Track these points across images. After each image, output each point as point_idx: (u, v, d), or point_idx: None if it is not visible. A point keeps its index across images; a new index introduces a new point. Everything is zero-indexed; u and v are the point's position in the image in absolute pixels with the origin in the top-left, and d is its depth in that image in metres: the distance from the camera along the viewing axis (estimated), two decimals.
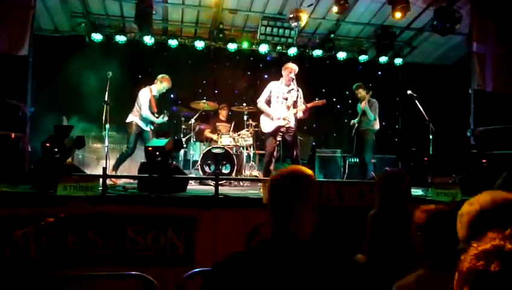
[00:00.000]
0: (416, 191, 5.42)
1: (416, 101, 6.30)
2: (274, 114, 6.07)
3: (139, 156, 6.73)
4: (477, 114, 7.46)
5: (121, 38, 8.57)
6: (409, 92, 6.44)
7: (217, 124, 8.15)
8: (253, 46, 9.14)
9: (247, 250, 1.61)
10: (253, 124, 7.63)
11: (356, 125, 7.08)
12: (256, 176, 7.42)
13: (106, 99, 5.86)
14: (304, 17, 7.32)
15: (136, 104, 6.48)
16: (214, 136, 7.86)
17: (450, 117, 8.50)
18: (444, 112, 8.32)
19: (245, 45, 9.02)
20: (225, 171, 7.11)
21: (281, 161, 7.86)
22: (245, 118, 7.82)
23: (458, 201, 4.71)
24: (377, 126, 7.08)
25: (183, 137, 7.85)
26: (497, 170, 4.75)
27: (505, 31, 7.51)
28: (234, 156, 7.15)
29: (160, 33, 9.15)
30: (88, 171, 6.00)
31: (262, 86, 6.46)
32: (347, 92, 10.02)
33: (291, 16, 7.46)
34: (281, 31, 8.74)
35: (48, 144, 4.70)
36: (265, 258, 1.50)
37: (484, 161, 5.67)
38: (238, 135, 7.65)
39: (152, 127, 6.62)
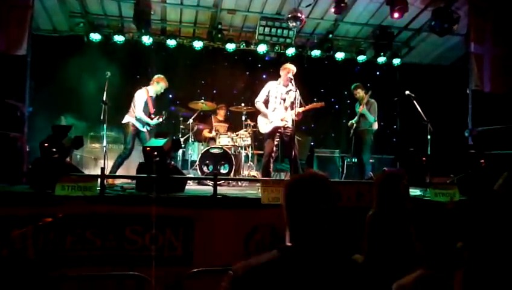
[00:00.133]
0: (415, 191, 5.42)
1: (414, 102, 6.31)
2: (271, 116, 6.07)
3: (137, 156, 6.73)
4: (475, 114, 7.48)
5: (119, 38, 8.57)
6: (407, 92, 6.45)
7: (215, 124, 8.16)
8: (252, 46, 9.15)
9: (271, 256, 1.56)
10: (252, 124, 7.64)
11: (354, 125, 7.09)
12: (254, 176, 7.42)
13: (104, 99, 5.85)
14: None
15: (132, 105, 6.47)
16: (212, 134, 7.86)
17: (448, 117, 8.52)
18: (442, 112, 8.34)
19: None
20: (223, 171, 7.10)
21: (280, 161, 7.88)
22: (243, 118, 7.82)
23: (456, 201, 4.72)
24: (375, 126, 7.09)
25: (182, 137, 7.86)
26: (495, 170, 4.77)
27: (502, 31, 7.53)
28: (232, 156, 7.15)
29: (159, 33, 9.15)
30: (86, 171, 5.99)
31: (260, 86, 6.46)
32: (345, 92, 10.04)
33: (289, 16, 7.47)
34: (279, 31, 8.74)
35: (46, 144, 4.69)
36: (291, 264, 1.48)
37: (482, 161, 5.67)
38: (237, 135, 7.65)
39: (148, 128, 6.60)
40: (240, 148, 7.61)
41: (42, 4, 7.70)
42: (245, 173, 7.57)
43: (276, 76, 6.45)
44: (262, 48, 9.02)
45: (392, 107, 10.30)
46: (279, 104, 6.14)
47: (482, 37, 7.56)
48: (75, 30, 8.65)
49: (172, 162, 5.63)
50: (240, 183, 7.12)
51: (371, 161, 7.44)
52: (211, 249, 4.09)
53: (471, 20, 7.56)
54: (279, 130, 6.09)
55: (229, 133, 7.79)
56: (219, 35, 8.84)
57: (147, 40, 8.55)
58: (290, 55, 9.22)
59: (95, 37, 8.47)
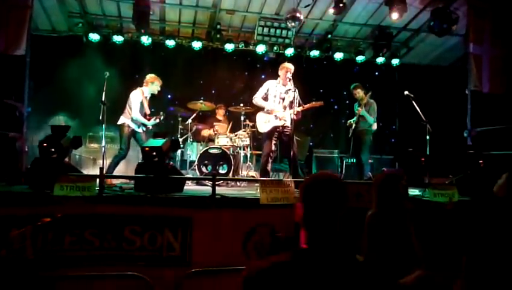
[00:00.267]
0: (413, 192, 5.42)
1: (413, 102, 6.31)
2: (271, 107, 6.05)
3: (134, 156, 6.72)
4: (474, 115, 7.48)
5: (118, 39, 8.57)
6: (406, 92, 6.44)
7: (214, 123, 8.17)
8: (251, 47, 9.15)
9: (285, 258, 1.53)
10: (250, 124, 7.64)
11: (353, 125, 7.08)
12: (253, 176, 7.42)
13: (103, 99, 5.84)
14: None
15: (127, 106, 6.40)
16: (212, 132, 7.87)
17: (447, 118, 8.53)
18: (441, 113, 8.35)
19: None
20: (222, 171, 7.10)
21: (278, 161, 7.87)
22: (242, 118, 7.82)
23: (455, 202, 4.72)
24: (374, 127, 7.08)
25: (180, 137, 7.85)
26: (494, 170, 4.77)
27: (501, 32, 7.55)
28: (231, 157, 7.14)
29: (158, 33, 9.15)
30: (85, 172, 5.98)
31: (259, 87, 6.46)
32: (344, 93, 10.06)
33: (288, 16, 7.48)
34: (278, 31, 8.76)
35: (45, 144, 4.68)
36: (306, 267, 1.46)
37: (481, 161, 5.67)
38: (235, 135, 7.65)
39: (144, 129, 6.55)
40: (238, 149, 7.61)
41: (41, 4, 7.70)
42: (244, 173, 7.58)
43: (275, 76, 6.44)
44: (261, 48, 9.03)
45: (391, 107, 10.31)
46: (278, 103, 6.13)
47: (480, 37, 7.57)
48: (74, 30, 8.65)
49: (171, 163, 5.63)
50: (238, 183, 7.12)
51: (369, 161, 7.44)
52: (210, 250, 4.08)
53: (470, 21, 7.58)
54: (278, 130, 6.09)
55: (227, 133, 7.79)
56: (218, 36, 8.85)
57: (145, 40, 8.56)
58: (288, 56, 9.23)
59: (94, 37, 8.47)
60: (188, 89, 9.43)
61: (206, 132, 8.13)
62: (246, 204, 4.43)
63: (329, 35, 9.26)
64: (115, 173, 6.30)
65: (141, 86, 6.61)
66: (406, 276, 1.93)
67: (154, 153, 5.00)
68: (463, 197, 4.94)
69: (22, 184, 4.74)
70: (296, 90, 6.08)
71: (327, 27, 9.20)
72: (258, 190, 4.49)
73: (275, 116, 6.11)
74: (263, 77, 9.64)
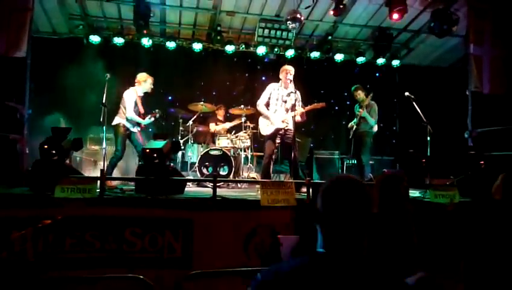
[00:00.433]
0: (414, 193, 5.42)
1: (414, 103, 6.31)
2: (273, 118, 6.07)
3: (130, 157, 6.69)
4: (475, 116, 7.48)
5: (118, 41, 8.58)
6: (406, 93, 6.44)
7: (217, 123, 8.19)
8: (251, 48, 9.16)
9: (302, 262, 1.49)
10: (251, 125, 7.64)
11: (354, 127, 7.07)
12: (254, 178, 7.42)
13: (104, 101, 5.84)
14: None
15: (121, 106, 6.33)
16: (218, 128, 7.87)
17: (448, 119, 8.52)
18: (442, 114, 8.34)
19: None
20: (223, 173, 7.10)
21: (279, 163, 7.87)
22: (243, 119, 7.82)
23: (456, 203, 4.72)
24: (375, 129, 7.07)
25: (181, 139, 7.85)
26: (495, 171, 4.77)
27: (501, 32, 7.55)
28: (232, 158, 7.14)
29: (158, 35, 9.16)
30: (86, 173, 5.99)
31: (260, 88, 6.46)
32: (345, 94, 10.05)
33: (288, 17, 7.48)
34: (278, 33, 8.76)
35: (45, 146, 4.69)
36: (323, 272, 1.43)
37: (482, 162, 5.67)
38: (236, 137, 7.65)
39: (139, 128, 6.50)
40: (239, 150, 7.61)
41: (42, 6, 7.72)
42: (244, 174, 7.57)
43: (275, 78, 6.44)
44: (261, 50, 9.04)
45: (391, 108, 10.31)
46: (280, 106, 6.12)
47: (481, 38, 7.57)
48: (75, 32, 8.67)
49: (172, 164, 5.63)
50: (239, 185, 7.12)
51: (370, 162, 7.43)
52: (211, 251, 4.08)
53: (470, 22, 7.58)
54: (280, 132, 6.09)
55: (228, 134, 7.79)
56: (218, 37, 8.86)
57: (146, 42, 8.58)
58: (289, 57, 9.23)
59: (95, 39, 8.48)
60: (188, 91, 9.43)
61: (212, 127, 8.14)
62: (247, 206, 4.43)
63: (330, 37, 9.26)
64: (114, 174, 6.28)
65: (134, 85, 6.55)
66: (407, 277, 1.92)
67: (155, 155, 5.00)
68: (464, 198, 4.93)
69: (22, 186, 4.75)
70: (298, 92, 6.09)
71: (327, 28, 9.20)
72: (259, 192, 4.49)
73: (278, 119, 6.11)
74: (264, 78, 9.68)
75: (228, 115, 8.61)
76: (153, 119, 6.53)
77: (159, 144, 5.22)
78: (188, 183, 5.92)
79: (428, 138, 6.13)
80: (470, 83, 7.54)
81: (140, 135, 6.45)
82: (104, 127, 5.93)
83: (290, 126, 6.03)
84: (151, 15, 7.84)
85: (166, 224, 4.11)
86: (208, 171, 7.11)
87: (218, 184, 4.77)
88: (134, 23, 7.98)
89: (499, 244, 1.51)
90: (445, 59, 9.92)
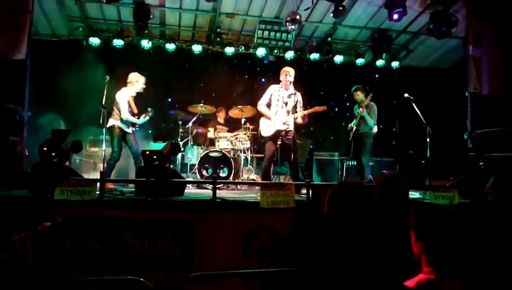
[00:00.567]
0: (414, 194, 5.42)
1: (413, 104, 6.31)
2: (274, 118, 6.08)
3: (130, 157, 6.68)
4: (474, 117, 7.49)
5: (118, 43, 8.59)
6: (405, 95, 6.44)
7: (217, 126, 8.19)
8: (251, 50, 9.17)
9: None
10: (251, 127, 7.64)
11: (354, 128, 7.07)
12: (253, 179, 7.41)
13: (103, 103, 5.84)
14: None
15: (114, 108, 6.29)
16: (215, 134, 7.88)
17: (447, 120, 8.53)
18: (441, 115, 8.35)
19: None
20: (222, 174, 7.11)
21: (279, 165, 7.87)
22: (242, 121, 7.83)
23: (456, 204, 4.72)
24: (375, 130, 7.07)
25: (181, 141, 7.86)
26: (494, 172, 4.77)
27: (500, 34, 7.57)
28: (232, 160, 7.15)
29: (158, 37, 9.17)
30: (85, 176, 5.98)
31: (259, 90, 6.46)
32: (345, 95, 10.07)
33: (288, 19, 7.49)
34: (278, 34, 8.78)
35: (45, 148, 4.69)
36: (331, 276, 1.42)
37: (481, 163, 5.67)
38: (236, 139, 7.65)
39: (134, 129, 6.48)
40: (239, 152, 7.61)
41: (41, 8, 7.72)
42: (244, 176, 7.57)
43: (274, 79, 6.45)
44: (261, 52, 9.05)
45: (391, 110, 10.32)
46: (281, 107, 6.12)
47: (480, 39, 7.59)
48: (75, 34, 8.68)
49: (172, 166, 5.63)
50: (239, 186, 7.12)
51: (370, 163, 7.43)
52: (211, 253, 4.08)
53: (469, 23, 7.59)
54: (281, 134, 6.09)
55: (228, 136, 7.79)
56: (218, 39, 8.87)
57: (146, 44, 8.59)
58: (289, 59, 9.25)
59: (94, 41, 8.49)
60: (188, 93, 9.44)
61: (209, 134, 8.14)
62: (247, 207, 4.43)
63: (329, 38, 9.27)
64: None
65: (126, 86, 6.50)
66: (406, 279, 1.92)
67: (155, 157, 5.01)
68: (464, 200, 4.93)
69: (22, 188, 4.74)
70: (299, 93, 6.10)
71: (327, 30, 9.21)
72: (259, 193, 4.49)
73: (279, 121, 6.11)
74: (263, 80, 9.68)
75: (228, 117, 8.61)
76: (147, 118, 6.48)
77: (159, 146, 5.24)
78: (187, 185, 5.93)
79: (428, 139, 6.13)
80: (469, 85, 7.56)
81: (134, 136, 6.41)
82: (104, 129, 5.94)
83: (291, 128, 6.03)
84: (151, 17, 7.84)
85: (166, 226, 4.11)
86: (207, 173, 7.11)
87: (218, 186, 4.78)
88: (134, 25, 7.99)
89: (494, 245, 1.51)
90: (445, 60, 9.93)
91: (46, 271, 3.78)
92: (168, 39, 9.01)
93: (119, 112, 6.20)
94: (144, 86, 6.55)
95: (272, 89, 6.22)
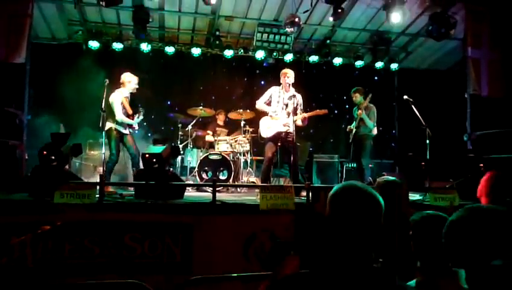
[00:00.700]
0: (414, 196, 5.41)
1: (413, 106, 6.32)
2: (273, 110, 6.07)
3: (129, 159, 6.67)
4: (474, 118, 7.49)
5: (117, 46, 8.60)
6: (405, 97, 6.45)
7: (216, 128, 8.19)
8: (250, 53, 9.18)
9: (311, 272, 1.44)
10: (250, 130, 7.64)
11: (354, 130, 7.07)
12: (253, 182, 7.41)
13: (103, 106, 5.83)
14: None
15: (110, 110, 6.23)
16: (215, 138, 7.88)
17: (447, 122, 8.53)
18: (441, 117, 8.34)
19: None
20: (222, 177, 7.09)
21: (279, 167, 7.87)
22: (242, 124, 7.83)
23: (456, 206, 4.72)
24: (375, 132, 7.07)
25: (180, 144, 7.85)
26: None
27: (499, 35, 7.58)
28: (231, 162, 7.14)
29: (157, 40, 9.18)
30: (85, 179, 5.97)
31: (259, 92, 6.46)
32: (344, 98, 10.07)
33: (287, 21, 7.51)
34: (277, 37, 8.80)
35: (45, 152, 4.69)
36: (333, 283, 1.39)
37: (481, 165, 5.67)
38: (235, 141, 7.65)
39: (131, 130, 6.46)
40: (238, 154, 7.61)
41: (41, 12, 7.73)
42: (244, 179, 7.57)
43: (274, 82, 6.46)
44: (260, 54, 9.06)
45: (390, 112, 10.33)
46: (281, 109, 6.13)
47: (479, 41, 7.60)
48: (74, 38, 8.69)
49: (171, 169, 5.63)
50: (238, 189, 7.11)
51: (370, 165, 7.43)
52: (211, 256, 4.07)
53: (468, 25, 7.61)
54: (281, 136, 6.09)
55: (227, 139, 7.79)
56: (217, 42, 8.88)
57: (145, 47, 8.60)
58: (288, 61, 9.26)
59: (94, 44, 8.50)
60: (187, 95, 9.45)
61: (208, 138, 8.14)
62: (247, 210, 4.43)
63: (328, 41, 9.29)
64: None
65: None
66: (407, 281, 1.92)
67: (154, 160, 5.01)
68: (464, 201, 4.93)
69: (22, 192, 4.74)
70: (299, 96, 6.11)
71: (326, 32, 9.23)
72: (258, 196, 4.49)
73: (279, 122, 6.11)
74: (262, 82, 9.70)
75: (227, 119, 8.62)
76: (141, 117, 6.44)
77: (158, 149, 5.23)
78: (187, 188, 5.92)
79: (428, 141, 6.13)
80: (468, 86, 7.56)
81: (132, 137, 6.40)
82: (104, 133, 5.93)
83: (291, 129, 6.03)
84: (150, 20, 7.85)
85: (165, 229, 4.10)
86: (207, 175, 7.11)
87: (217, 189, 4.77)
88: (133, 28, 8.00)
89: (493, 250, 1.50)
90: (444, 62, 9.94)
91: (45, 275, 3.77)
92: (167, 42, 9.03)
93: (115, 114, 6.17)
94: (137, 86, 6.49)
95: (272, 90, 6.23)
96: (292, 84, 6.10)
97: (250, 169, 7.86)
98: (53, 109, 8.18)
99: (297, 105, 6.06)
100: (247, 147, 7.65)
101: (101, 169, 6.18)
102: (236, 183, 7.26)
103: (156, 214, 4.18)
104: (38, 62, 7.36)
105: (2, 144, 5.85)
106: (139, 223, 4.08)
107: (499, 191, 2.85)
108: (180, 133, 8.04)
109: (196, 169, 7.19)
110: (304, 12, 7.84)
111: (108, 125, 6.17)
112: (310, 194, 4.66)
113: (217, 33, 8.82)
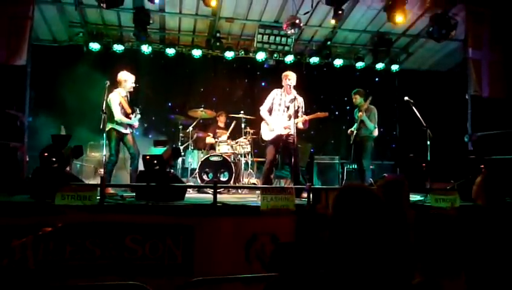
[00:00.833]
0: (415, 197, 5.41)
1: (413, 107, 6.32)
2: (274, 125, 6.08)
3: (128, 160, 6.66)
4: (475, 119, 7.48)
5: (118, 48, 8.62)
6: (406, 98, 6.44)
7: (217, 130, 8.19)
8: (250, 54, 9.19)
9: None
10: (251, 131, 7.64)
11: (355, 132, 7.07)
12: (254, 183, 7.41)
13: (103, 108, 5.83)
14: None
15: (109, 111, 6.21)
16: (215, 140, 7.89)
17: (447, 123, 8.53)
18: (441, 118, 8.34)
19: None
20: (223, 179, 7.09)
21: (280, 168, 7.87)
22: (243, 125, 7.83)
23: (457, 207, 4.71)
24: (375, 133, 7.07)
25: (181, 145, 7.86)
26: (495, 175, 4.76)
27: (500, 36, 7.58)
28: (232, 164, 7.14)
29: (158, 42, 9.19)
30: (86, 181, 5.97)
31: (259, 94, 6.48)
32: (345, 99, 10.06)
33: (287, 23, 7.51)
34: (277, 38, 8.80)
35: (45, 154, 4.69)
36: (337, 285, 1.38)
37: (482, 166, 5.67)
38: (236, 143, 7.65)
39: (131, 130, 6.45)
40: (239, 156, 7.61)
41: (42, 14, 7.75)
42: (245, 180, 7.57)
43: (274, 83, 6.46)
44: (261, 56, 9.06)
45: (391, 113, 10.32)
46: (282, 112, 6.13)
47: (479, 42, 7.60)
48: (75, 40, 8.71)
49: (172, 171, 5.62)
50: (239, 190, 7.11)
51: (371, 167, 7.43)
52: (212, 257, 4.07)
53: (468, 26, 7.60)
54: (282, 138, 6.09)
55: (228, 140, 7.79)
56: (218, 44, 8.89)
57: (146, 49, 8.61)
58: (288, 63, 9.26)
59: (95, 46, 8.51)
60: (188, 97, 9.46)
61: (208, 139, 8.14)
62: (247, 211, 4.43)
63: (329, 42, 9.30)
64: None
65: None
66: (409, 281, 1.91)
67: (155, 162, 5.01)
68: (465, 202, 4.92)
69: (23, 194, 4.74)
70: (300, 98, 6.11)
71: (326, 34, 9.23)
72: (259, 197, 4.49)
73: (280, 126, 6.11)
74: (263, 84, 9.71)
75: (228, 121, 8.62)
76: (139, 116, 6.42)
77: (159, 150, 5.23)
78: (188, 190, 5.92)
79: (429, 142, 6.13)
80: (469, 87, 7.56)
81: (132, 137, 6.39)
82: (104, 134, 5.92)
83: (292, 132, 6.03)
84: (151, 22, 7.86)
85: (166, 231, 4.10)
86: (208, 177, 7.11)
87: (218, 190, 4.77)
88: (134, 30, 8.01)
89: (492, 251, 1.50)
90: (444, 63, 9.94)
91: (47, 277, 3.77)
92: (168, 44, 9.04)
93: (113, 114, 6.16)
94: (134, 85, 6.48)
95: (274, 94, 6.23)
96: (293, 86, 6.09)
97: (251, 170, 7.86)
98: (54, 111, 8.20)
99: (298, 108, 6.06)
100: (248, 148, 7.65)
101: (101, 171, 6.17)
102: (237, 184, 7.26)
103: (157, 215, 4.18)
104: (39, 64, 7.38)
105: (3, 146, 5.85)
106: (140, 225, 4.08)
107: (492, 192, 2.84)
108: (181, 134, 8.04)
109: (197, 171, 7.19)
110: (305, 13, 7.84)
111: (109, 126, 6.16)
112: (311, 195, 4.65)
113: (218, 35, 8.83)
